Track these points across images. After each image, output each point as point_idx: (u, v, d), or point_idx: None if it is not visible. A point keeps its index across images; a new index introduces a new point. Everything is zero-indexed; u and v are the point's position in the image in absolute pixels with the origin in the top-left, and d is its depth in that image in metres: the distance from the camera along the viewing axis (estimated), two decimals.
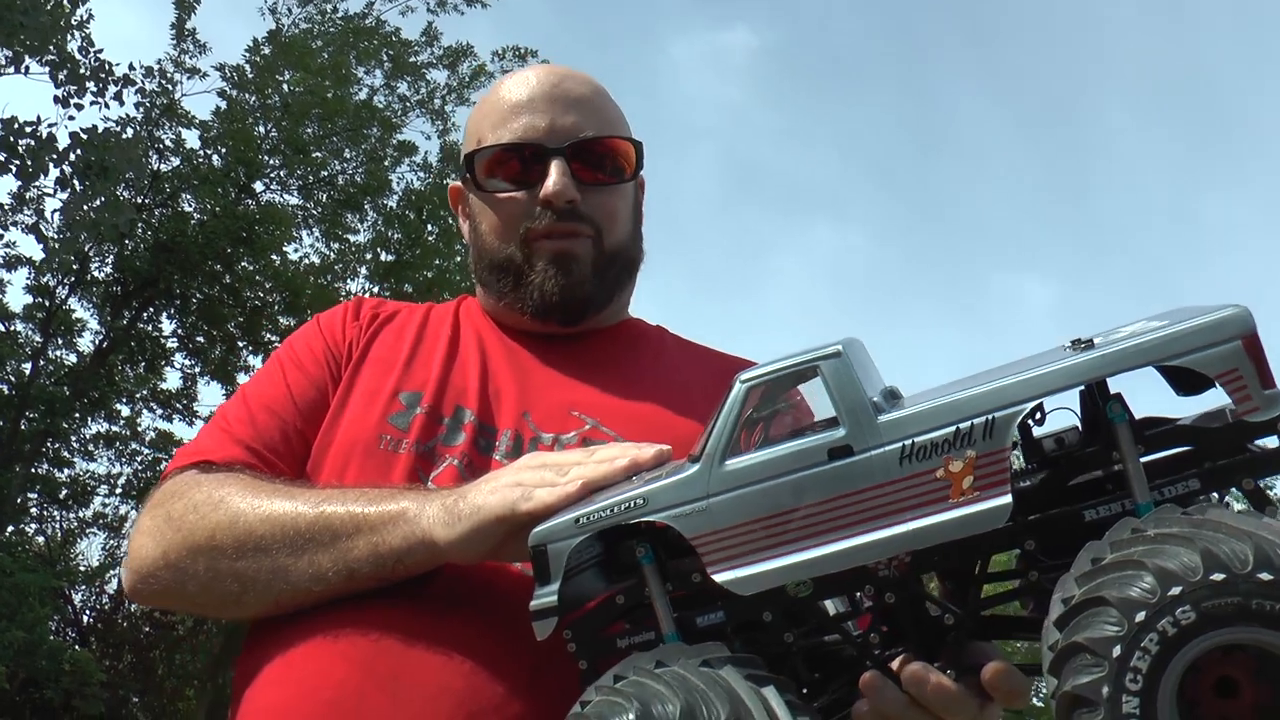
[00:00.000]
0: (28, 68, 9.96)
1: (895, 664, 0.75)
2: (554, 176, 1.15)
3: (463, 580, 0.98)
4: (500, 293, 1.23)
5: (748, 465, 0.70)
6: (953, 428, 0.66)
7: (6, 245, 12.83)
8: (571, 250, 1.18)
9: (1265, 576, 0.51)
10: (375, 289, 14.34)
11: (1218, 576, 0.51)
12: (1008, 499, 0.65)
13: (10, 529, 12.51)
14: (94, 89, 10.39)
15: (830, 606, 0.80)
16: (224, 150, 13.46)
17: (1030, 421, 0.70)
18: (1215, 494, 0.67)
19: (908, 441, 0.67)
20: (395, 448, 1.11)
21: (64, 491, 14.16)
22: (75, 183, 9.97)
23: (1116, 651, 0.53)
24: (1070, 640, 0.55)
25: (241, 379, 13.38)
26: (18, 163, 9.69)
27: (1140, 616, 0.53)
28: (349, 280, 14.81)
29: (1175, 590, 0.52)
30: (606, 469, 0.84)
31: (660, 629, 0.74)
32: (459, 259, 13.92)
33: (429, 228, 14.39)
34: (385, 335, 1.24)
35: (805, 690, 0.79)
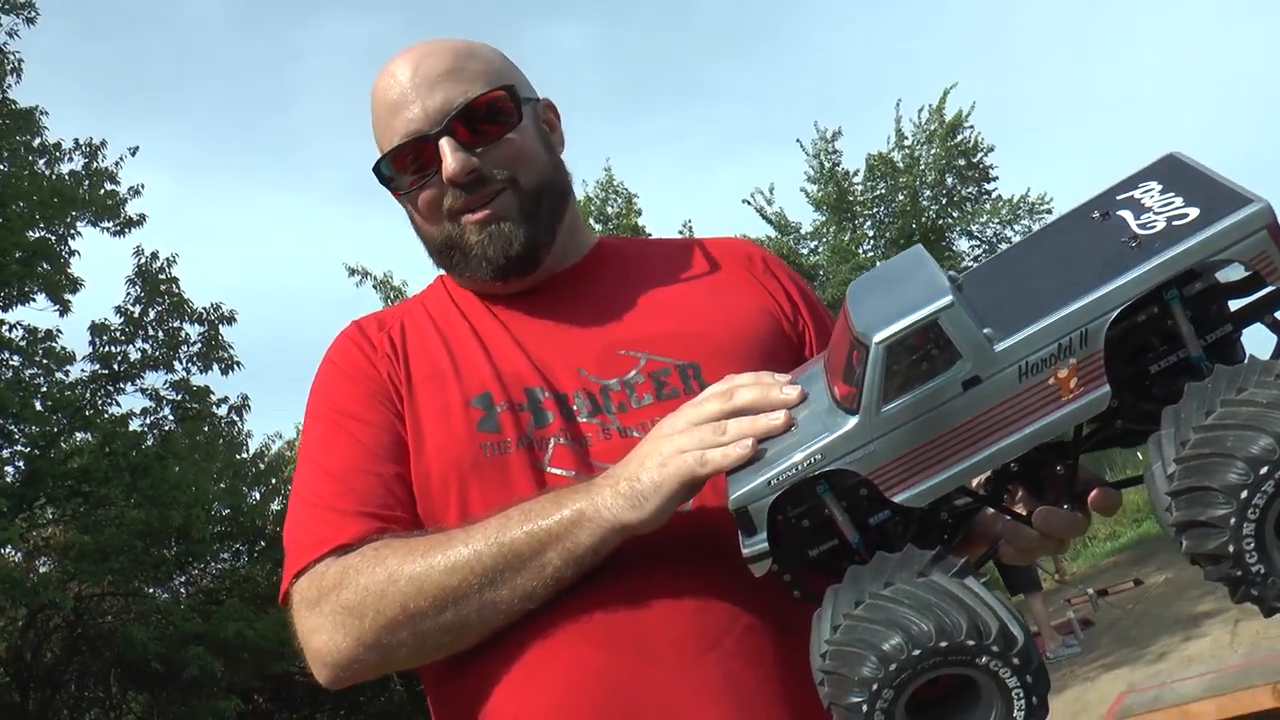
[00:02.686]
0: None
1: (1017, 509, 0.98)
2: (448, 157, 1.20)
3: (641, 539, 1.06)
4: (458, 270, 1.29)
5: (901, 408, 0.85)
6: (1055, 344, 0.82)
7: None
8: (494, 212, 1.24)
9: None
10: None
11: None
12: (1107, 389, 0.83)
13: None
14: None
15: None
16: None
17: None
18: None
19: (1022, 362, 0.83)
20: (502, 450, 1.15)
21: None
22: None
23: (1243, 495, 0.73)
24: (1201, 483, 0.75)
25: None
26: None
27: (1264, 470, 0.73)
28: None
29: None
30: (765, 424, 0.94)
31: (846, 536, 0.90)
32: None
33: None
34: (415, 354, 1.26)
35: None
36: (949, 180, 15.19)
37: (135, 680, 11.78)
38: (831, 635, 0.83)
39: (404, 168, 1.26)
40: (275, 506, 14.05)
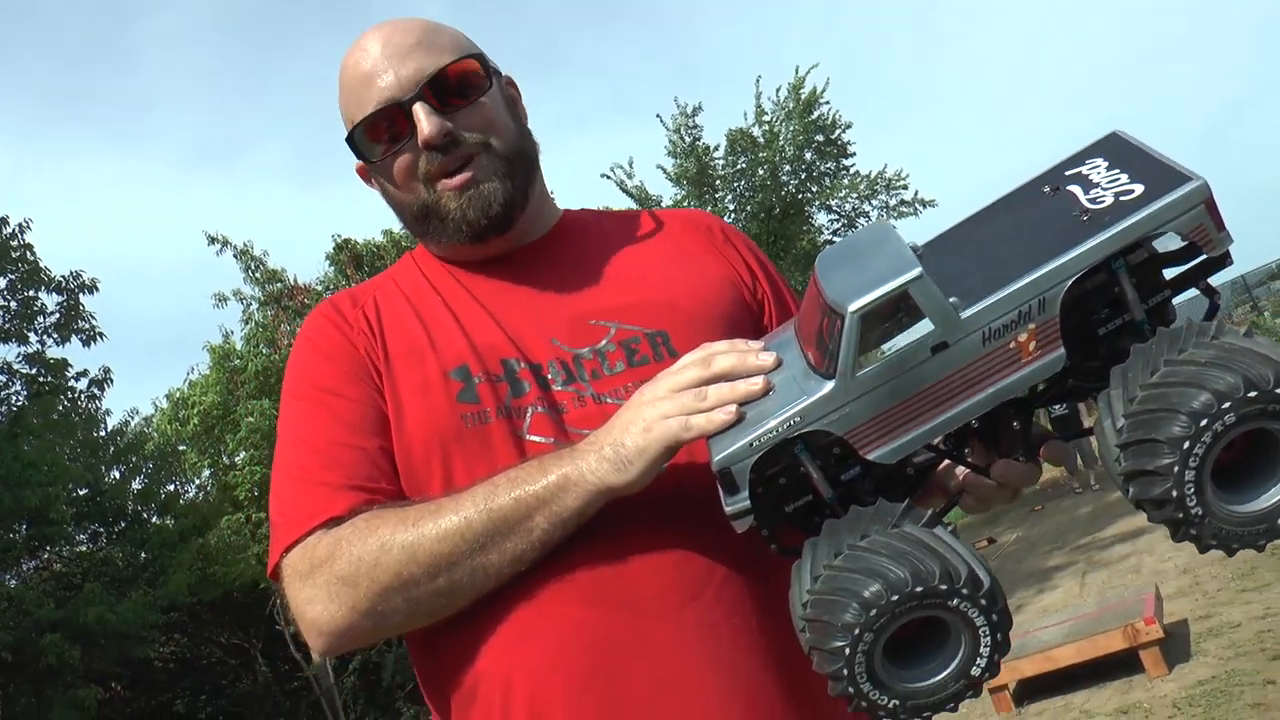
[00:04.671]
0: None
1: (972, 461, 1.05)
2: (423, 120, 1.22)
3: (620, 500, 1.08)
4: (435, 235, 1.31)
5: (873, 372, 0.91)
6: (1015, 311, 0.89)
7: None
8: (471, 178, 1.26)
9: None
10: None
11: (1253, 394, 0.81)
12: (1062, 350, 0.90)
13: None
14: None
15: None
16: None
17: None
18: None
19: (986, 328, 0.90)
20: (482, 420, 1.17)
21: None
22: None
23: (1185, 446, 0.82)
24: (1149, 435, 0.83)
25: None
26: None
27: (1204, 422, 0.81)
28: None
29: (1225, 405, 0.81)
30: (745, 389, 0.98)
31: (821, 492, 0.96)
32: None
33: None
34: (391, 329, 1.28)
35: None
36: (808, 156, 15.44)
37: None
38: (813, 585, 0.89)
39: (377, 136, 1.27)
40: (136, 485, 13.51)
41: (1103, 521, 11.91)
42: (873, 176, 15.54)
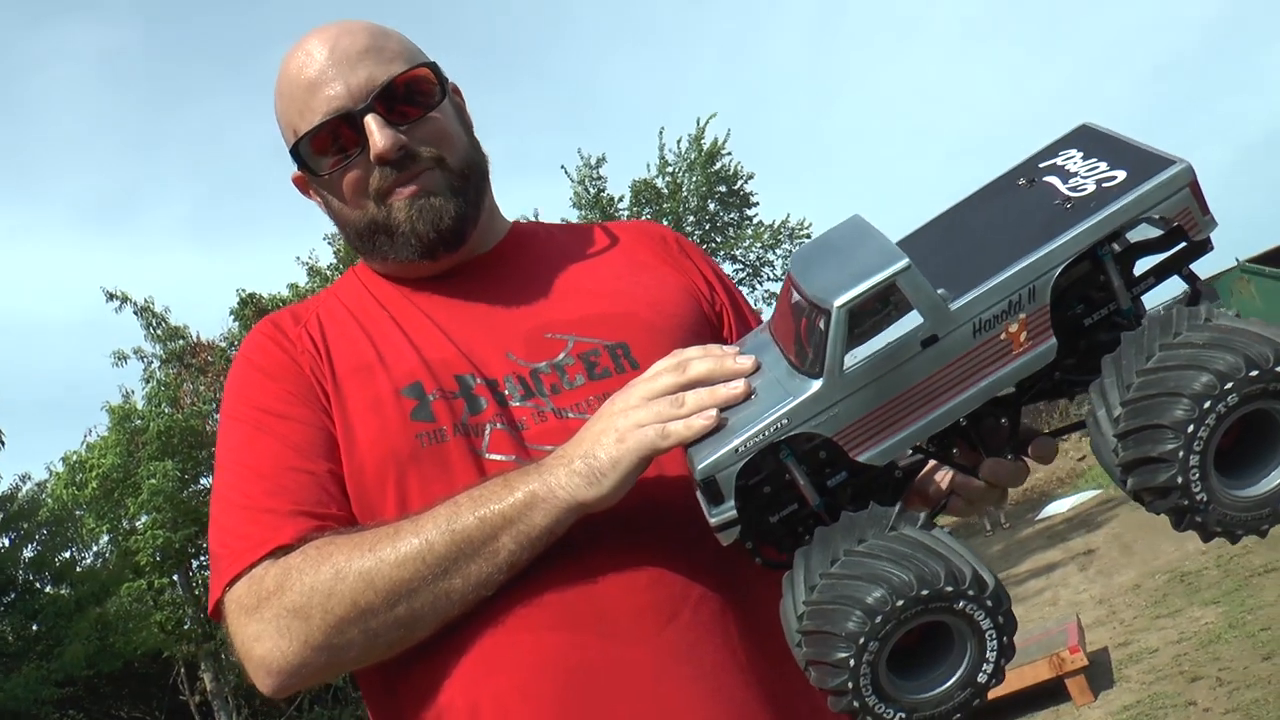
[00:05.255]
0: None
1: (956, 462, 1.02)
2: (376, 134, 1.16)
3: (588, 516, 1.02)
4: (383, 253, 1.24)
5: (862, 369, 0.87)
6: (1005, 301, 0.87)
7: None
8: (424, 187, 1.20)
9: None
10: None
11: (1254, 373, 0.79)
12: (1054, 340, 0.88)
13: None
14: None
15: None
16: None
17: None
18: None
19: (976, 319, 0.87)
20: (438, 439, 1.11)
21: None
22: None
23: (1190, 430, 0.79)
24: (1150, 421, 0.80)
25: None
26: None
27: (1207, 404, 0.79)
28: None
29: (1228, 385, 0.79)
30: (725, 393, 0.93)
31: (807, 498, 0.91)
32: None
33: None
34: (337, 347, 1.20)
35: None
36: (711, 206, 15.66)
37: None
38: (809, 595, 0.83)
39: (324, 149, 1.20)
40: (28, 554, 12.88)
41: (1015, 558, 12.13)
42: (776, 226, 15.74)
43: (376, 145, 1.16)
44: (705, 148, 15.07)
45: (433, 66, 1.23)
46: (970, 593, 0.81)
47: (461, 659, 1.06)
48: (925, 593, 0.80)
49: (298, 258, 14.88)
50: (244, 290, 13.69)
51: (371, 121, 1.16)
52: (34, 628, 12.22)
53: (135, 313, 13.35)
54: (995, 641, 0.83)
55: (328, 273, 13.72)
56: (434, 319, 1.22)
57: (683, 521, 0.94)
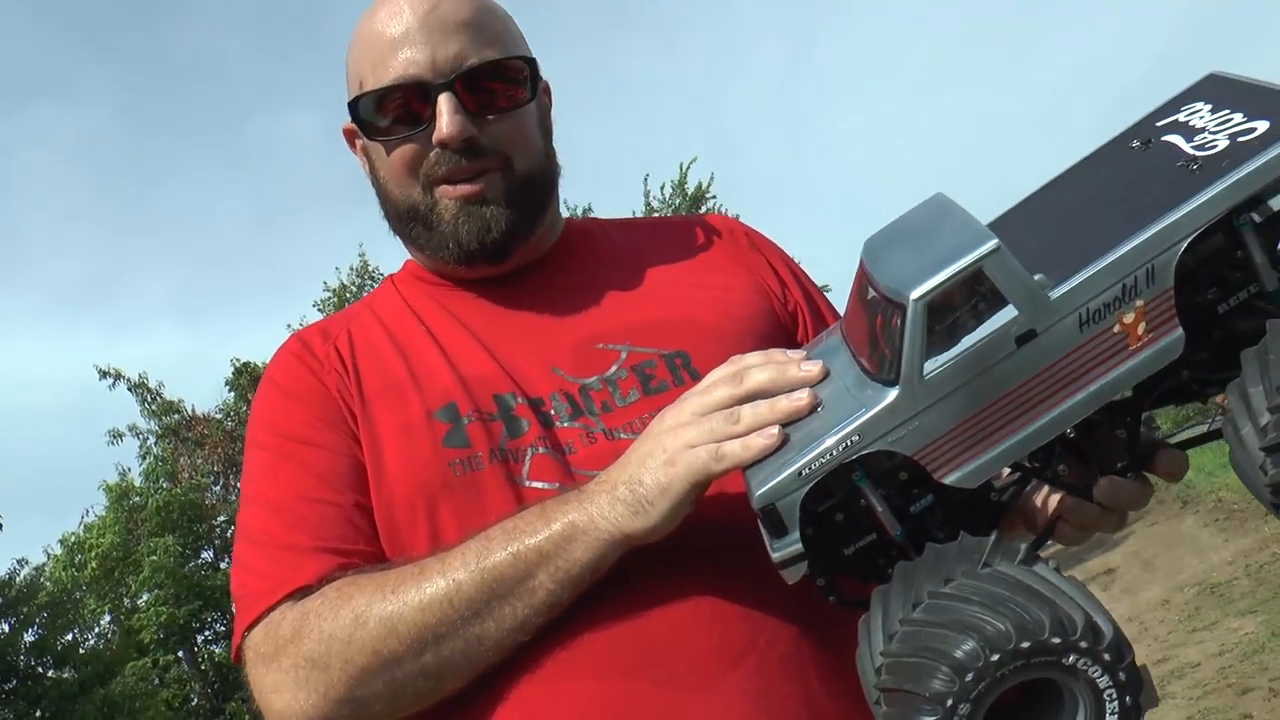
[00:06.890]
0: None
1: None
2: (446, 116, 1.05)
3: (639, 548, 0.91)
4: (418, 242, 1.14)
5: (945, 374, 0.72)
6: (1119, 285, 0.72)
7: None
8: (478, 192, 1.09)
9: None
10: None
11: None
12: (1180, 331, 0.73)
13: None
14: None
15: None
16: None
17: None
18: None
19: (1082, 310, 0.72)
20: (473, 467, 0.99)
21: None
22: None
23: None
24: None
25: None
26: None
27: None
28: None
29: None
30: (787, 406, 0.80)
31: (887, 528, 0.77)
32: None
33: None
34: (366, 365, 1.09)
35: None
36: None
37: None
38: (888, 645, 0.70)
39: (388, 112, 1.09)
40: (28, 638, 12.69)
41: None
42: None
43: (442, 129, 1.06)
44: (690, 191, 15.09)
45: (530, 61, 1.13)
46: (1082, 645, 0.66)
47: (496, 711, 0.94)
48: (1026, 645, 0.65)
49: (289, 325, 14.84)
50: (239, 359, 13.61)
51: (445, 102, 1.06)
52: (38, 714, 11.98)
53: (130, 389, 13.28)
54: (1116, 703, 0.68)
55: None
56: (473, 330, 1.11)
57: (748, 552, 0.82)
